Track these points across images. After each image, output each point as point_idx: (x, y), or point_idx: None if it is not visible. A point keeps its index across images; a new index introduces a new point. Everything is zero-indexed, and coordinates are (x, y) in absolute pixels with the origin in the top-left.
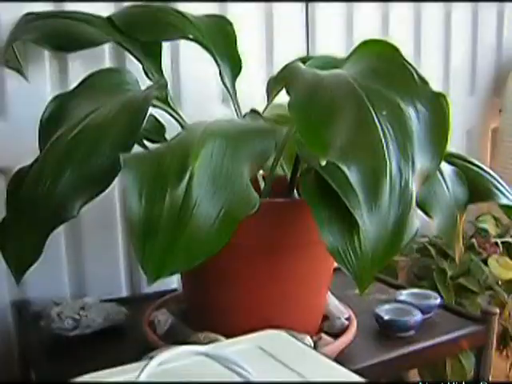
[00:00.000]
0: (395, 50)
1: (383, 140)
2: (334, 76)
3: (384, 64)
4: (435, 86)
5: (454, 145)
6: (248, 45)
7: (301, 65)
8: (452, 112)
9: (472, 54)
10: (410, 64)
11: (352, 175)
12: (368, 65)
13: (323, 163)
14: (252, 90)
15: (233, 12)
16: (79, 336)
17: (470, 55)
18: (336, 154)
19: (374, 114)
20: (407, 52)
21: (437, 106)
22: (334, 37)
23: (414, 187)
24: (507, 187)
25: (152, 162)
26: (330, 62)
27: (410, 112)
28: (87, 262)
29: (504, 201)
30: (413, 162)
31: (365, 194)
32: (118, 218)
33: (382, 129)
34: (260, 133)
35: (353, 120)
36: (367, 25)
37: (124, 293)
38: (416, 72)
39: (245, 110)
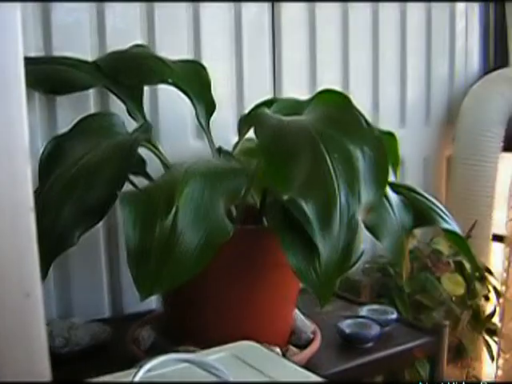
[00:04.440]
0: (347, 99)
1: (334, 179)
2: (294, 122)
3: (337, 111)
4: (393, 117)
5: (412, 172)
6: (221, 84)
7: (267, 111)
8: (400, 146)
9: (426, 87)
10: (358, 111)
11: (308, 209)
12: (324, 112)
13: (285, 198)
14: (224, 126)
15: (206, 55)
16: (69, 353)
17: (424, 88)
18: (295, 191)
19: (327, 157)
20: (366, 86)
21: (379, 148)
22: (299, 77)
23: (360, 217)
24: (448, 214)
25: (144, 198)
26: (293, 106)
27: (358, 154)
28: (73, 286)
29: (444, 225)
30: (359, 197)
31: (319, 224)
32: (102, 246)
33: (334, 169)
34: (233, 172)
35: (310, 162)
36: (329, 65)
37: (107, 314)
38: (363, 118)
39: (218, 143)
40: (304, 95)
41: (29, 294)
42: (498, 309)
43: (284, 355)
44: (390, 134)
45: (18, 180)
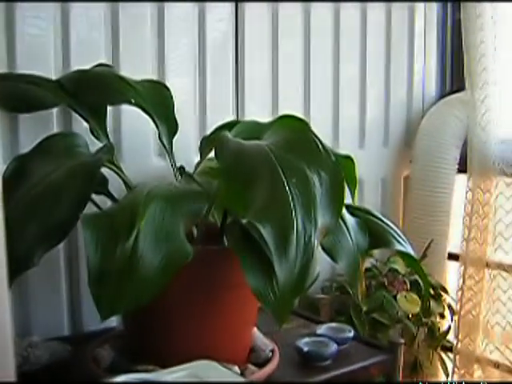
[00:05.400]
0: (305, 124)
1: (292, 203)
2: (254, 147)
3: (295, 137)
4: (353, 138)
5: (371, 192)
6: (184, 104)
7: (228, 134)
8: (357, 168)
9: (385, 109)
10: (316, 137)
11: (266, 233)
12: (283, 137)
13: (244, 222)
14: (187, 145)
15: (170, 75)
16: (28, 372)
17: (383, 110)
18: (253, 215)
19: (285, 182)
20: (327, 108)
21: (335, 173)
22: (261, 96)
23: (316, 240)
24: (402, 236)
25: (106, 220)
26: (254, 129)
27: (315, 179)
28: (32, 304)
29: (399, 247)
30: (315, 221)
31: (276, 247)
32: (62, 264)
33: (291, 194)
34: (193, 195)
35: (268, 187)
36: (291, 86)
37: (66, 332)
38: (321, 144)
39: (181, 162)
40: (266, 115)
41: None
42: (452, 326)
43: (242, 374)
44: (348, 158)
45: None
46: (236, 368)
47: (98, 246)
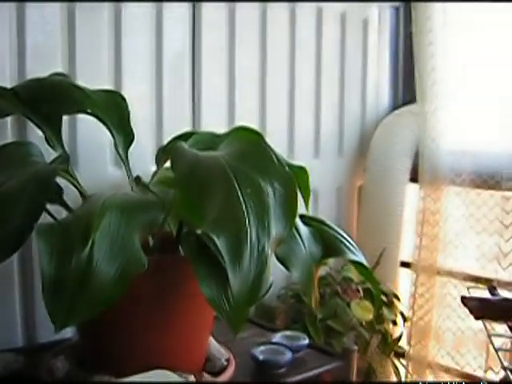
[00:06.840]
0: (260, 136)
1: (245, 214)
2: (209, 158)
3: (250, 148)
4: (308, 148)
5: (326, 201)
6: (141, 113)
7: (184, 145)
8: (312, 177)
9: (340, 120)
10: (270, 148)
11: (220, 243)
12: (238, 148)
13: (199, 232)
14: (144, 154)
15: (127, 84)
16: None
17: (338, 121)
18: (208, 225)
19: (239, 192)
20: (283, 118)
21: (289, 183)
22: (218, 106)
23: (270, 250)
24: (354, 245)
25: (61, 231)
26: (209, 140)
27: (269, 190)
28: None
29: (351, 256)
30: (269, 231)
31: (230, 257)
32: (16, 275)
33: (246, 204)
34: (148, 205)
35: (223, 197)
36: (247, 96)
37: (20, 343)
38: (275, 155)
39: (137, 171)
40: (223, 125)
41: None
42: (404, 332)
43: (198, 383)
44: (302, 168)
45: None
46: (191, 377)
47: (52, 257)
